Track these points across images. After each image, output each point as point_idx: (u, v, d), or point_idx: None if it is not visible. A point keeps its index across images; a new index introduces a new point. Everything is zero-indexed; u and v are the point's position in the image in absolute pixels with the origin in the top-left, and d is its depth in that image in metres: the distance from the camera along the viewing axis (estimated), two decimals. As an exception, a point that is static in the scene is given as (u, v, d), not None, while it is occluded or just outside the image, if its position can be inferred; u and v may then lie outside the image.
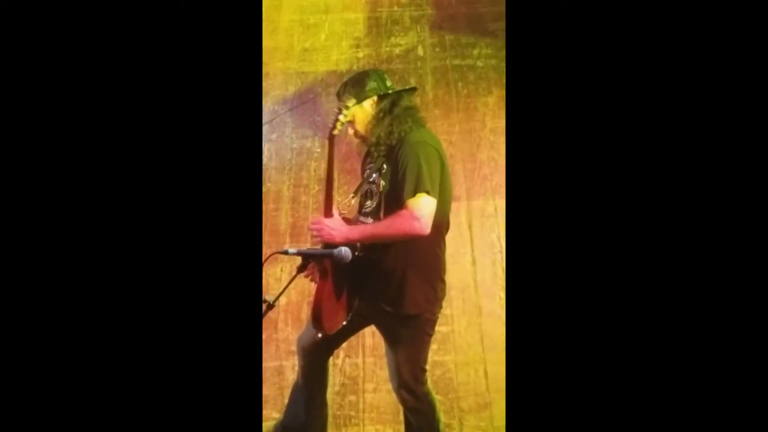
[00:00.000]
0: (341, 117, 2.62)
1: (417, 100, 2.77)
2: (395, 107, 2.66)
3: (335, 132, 2.63)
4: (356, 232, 2.55)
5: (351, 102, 2.65)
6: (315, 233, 2.58)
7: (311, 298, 2.61)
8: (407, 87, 2.79)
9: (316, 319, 2.50)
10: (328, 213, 2.59)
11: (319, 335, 2.57)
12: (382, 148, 2.65)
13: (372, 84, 2.71)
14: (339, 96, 2.77)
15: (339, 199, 2.80)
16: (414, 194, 2.45)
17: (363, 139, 2.76)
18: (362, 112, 2.71)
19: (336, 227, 2.54)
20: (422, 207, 2.43)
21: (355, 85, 2.74)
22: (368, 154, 2.78)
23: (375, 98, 2.70)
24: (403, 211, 2.47)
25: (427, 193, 2.44)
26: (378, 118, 2.67)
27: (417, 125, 2.65)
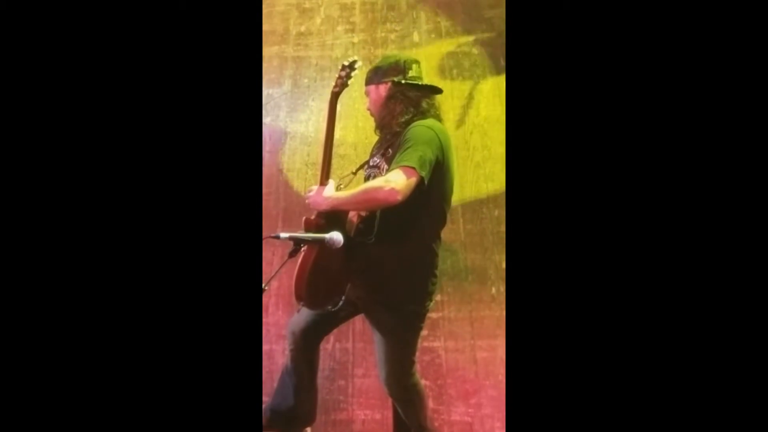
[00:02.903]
0: (342, 74, 2.74)
1: (437, 99, 2.78)
2: (406, 98, 2.68)
3: (335, 90, 2.74)
4: (337, 198, 2.60)
5: (357, 65, 2.75)
6: (306, 199, 2.68)
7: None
8: (429, 84, 2.80)
9: (297, 287, 2.56)
10: (324, 179, 2.67)
11: (300, 306, 2.61)
12: (388, 133, 2.68)
13: (392, 70, 2.74)
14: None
15: (340, 173, 2.83)
16: (397, 166, 2.47)
17: (373, 119, 2.82)
18: (377, 93, 2.76)
19: (322, 194, 2.61)
20: (399, 177, 2.43)
21: (381, 66, 2.80)
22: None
23: (390, 84, 2.72)
24: (380, 178, 2.50)
25: (412, 168, 2.44)
26: (387, 104, 2.71)
27: (426, 117, 2.66)
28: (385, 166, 2.59)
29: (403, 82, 2.70)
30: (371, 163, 2.73)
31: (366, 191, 2.54)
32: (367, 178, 2.73)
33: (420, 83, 2.74)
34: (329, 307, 2.63)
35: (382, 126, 2.71)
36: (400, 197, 2.41)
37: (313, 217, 2.64)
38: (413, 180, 2.44)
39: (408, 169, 2.43)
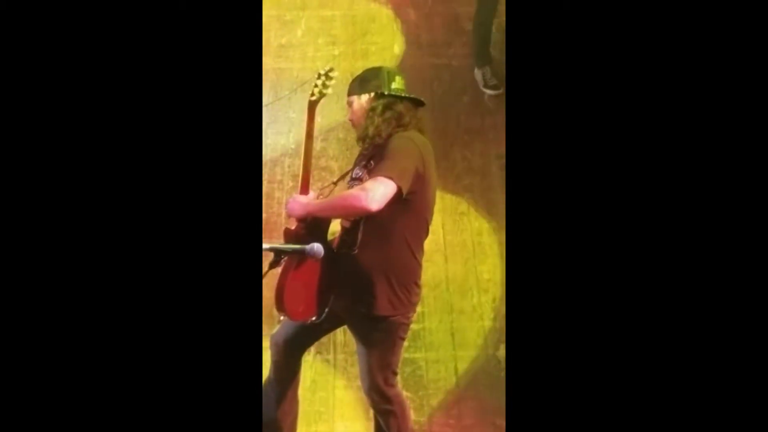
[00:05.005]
0: (318, 82, 2.71)
1: (420, 112, 2.79)
2: (388, 110, 2.68)
3: (312, 98, 2.72)
4: (314, 204, 2.62)
5: (334, 73, 2.73)
6: (285, 208, 2.68)
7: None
8: (412, 96, 2.80)
9: (278, 297, 2.55)
10: (304, 189, 2.68)
11: (281, 318, 2.61)
12: (369, 144, 2.68)
13: (375, 81, 2.74)
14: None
15: (321, 185, 2.83)
16: (375, 175, 2.48)
17: (355, 130, 2.80)
18: (359, 103, 2.75)
19: (300, 201, 2.62)
20: (376, 185, 2.44)
21: (364, 76, 2.80)
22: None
23: (372, 95, 2.72)
24: (357, 187, 2.52)
25: (390, 178, 2.45)
26: (369, 115, 2.70)
27: (408, 129, 2.67)
28: (367, 178, 2.60)
29: (386, 93, 2.71)
30: (353, 175, 2.73)
31: (343, 198, 2.56)
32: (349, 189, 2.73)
33: (403, 95, 2.74)
34: (313, 319, 2.63)
35: (363, 137, 2.71)
36: (375, 206, 2.41)
37: (293, 227, 2.64)
38: (390, 190, 2.44)
39: (386, 179, 2.44)
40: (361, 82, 2.77)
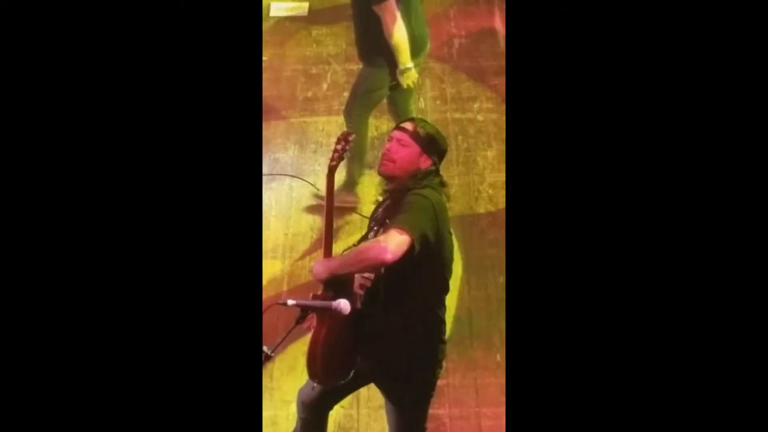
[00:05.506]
0: (338, 147, 2.73)
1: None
2: (430, 176, 2.67)
3: (332, 163, 2.73)
4: (335, 263, 2.60)
5: (352, 137, 2.76)
6: (311, 272, 2.66)
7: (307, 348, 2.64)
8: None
9: (311, 365, 2.55)
10: (327, 252, 2.68)
11: (314, 385, 2.58)
12: (388, 198, 2.70)
13: (435, 149, 2.70)
14: None
15: (345, 237, 2.84)
16: (389, 227, 2.49)
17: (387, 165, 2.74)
18: (417, 157, 2.69)
19: (323, 263, 2.62)
20: (392, 237, 2.43)
21: (437, 138, 2.74)
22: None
23: (430, 161, 2.68)
24: (372, 239, 2.54)
25: (403, 230, 2.44)
26: (415, 172, 2.65)
27: (426, 187, 2.67)
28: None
29: (437, 164, 2.70)
30: (371, 230, 2.74)
31: (358, 252, 2.56)
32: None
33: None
34: (341, 381, 2.63)
35: (392, 177, 2.69)
36: (389, 256, 2.41)
37: (320, 292, 2.64)
38: (404, 241, 2.43)
39: (400, 230, 2.44)
40: (432, 142, 2.71)
